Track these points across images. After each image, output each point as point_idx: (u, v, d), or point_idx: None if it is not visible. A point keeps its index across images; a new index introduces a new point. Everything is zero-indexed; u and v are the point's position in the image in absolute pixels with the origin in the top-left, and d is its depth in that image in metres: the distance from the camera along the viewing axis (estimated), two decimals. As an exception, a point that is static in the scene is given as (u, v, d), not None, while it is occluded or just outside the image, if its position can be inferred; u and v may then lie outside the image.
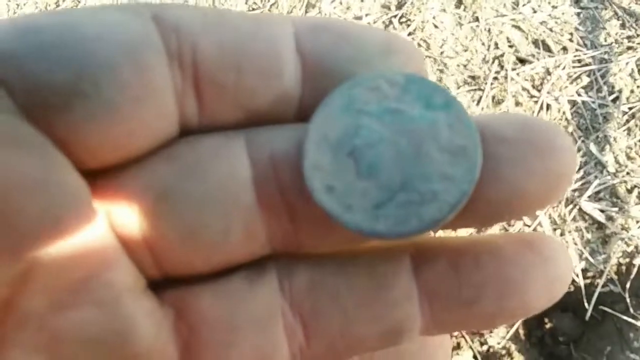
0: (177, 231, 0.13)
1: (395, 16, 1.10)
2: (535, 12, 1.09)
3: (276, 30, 0.13)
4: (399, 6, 1.11)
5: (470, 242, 0.14)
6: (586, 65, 1.05)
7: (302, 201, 0.13)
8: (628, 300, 0.91)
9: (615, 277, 0.94)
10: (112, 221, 0.13)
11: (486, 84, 1.04)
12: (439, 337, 0.16)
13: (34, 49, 0.11)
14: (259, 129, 0.14)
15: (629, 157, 0.99)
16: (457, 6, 1.11)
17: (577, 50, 1.06)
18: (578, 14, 1.09)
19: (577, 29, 1.08)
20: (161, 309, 0.13)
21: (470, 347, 0.90)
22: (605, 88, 1.03)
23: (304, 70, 0.13)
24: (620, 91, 1.03)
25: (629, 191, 0.97)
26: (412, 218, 0.13)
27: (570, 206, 0.96)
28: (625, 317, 0.91)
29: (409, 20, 1.09)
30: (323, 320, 0.14)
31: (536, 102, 1.02)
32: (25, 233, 0.11)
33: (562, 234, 0.95)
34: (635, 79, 1.03)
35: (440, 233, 0.14)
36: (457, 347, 0.90)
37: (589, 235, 0.95)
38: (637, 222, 0.95)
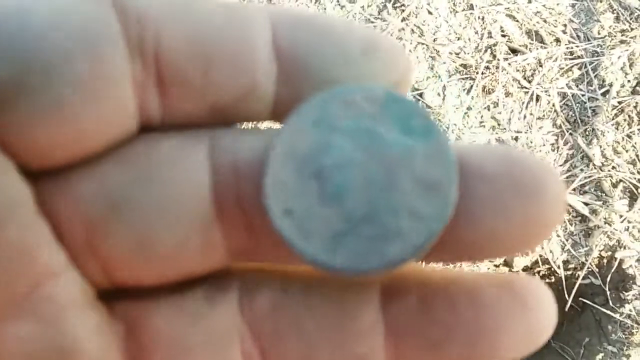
0: (127, 242, 0.12)
1: (389, 1, 1.09)
2: (530, 1, 1.09)
3: (251, 22, 0.12)
4: (394, -9, 1.10)
5: (446, 279, 0.13)
6: (578, 57, 1.05)
7: (262, 218, 0.12)
8: (608, 292, 0.92)
9: (596, 269, 0.95)
10: (57, 228, 0.12)
11: (477, 73, 1.03)
12: None
13: None
14: (225, 131, 0.13)
15: (615, 152, 0.99)
16: (452, -7, 1.10)
17: (569, 42, 1.06)
18: (573, 6, 1.09)
19: (571, 21, 1.08)
20: (110, 325, 0.13)
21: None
22: (595, 81, 1.03)
23: (279, 68, 0.12)
24: (610, 85, 1.03)
25: (614, 185, 0.97)
26: (373, 255, 0.12)
27: (556, 198, 0.97)
28: (604, 310, 0.92)
29: (404, 5, 1.08)
30: (283, 346, 0.13)
31: (526, 92, 1.02)
32: None
33: (546, 226, 0.96)
34: (626, 73, 1.04)
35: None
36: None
37: (572, 228, 0.96)
38: (621, 216, 0.95)
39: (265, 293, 0.13)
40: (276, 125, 0.13)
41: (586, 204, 0.96)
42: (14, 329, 0.11)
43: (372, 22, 1.09)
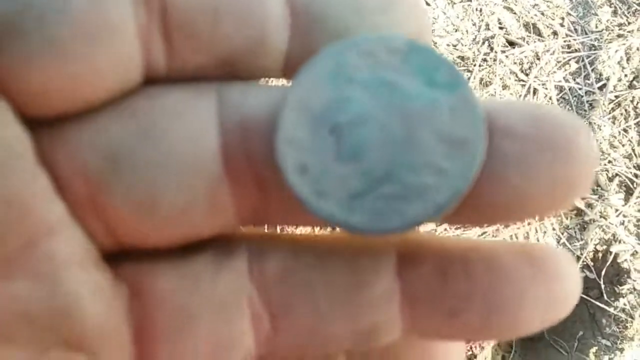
0: (130, 199, 0.11)
1: (386, -8, 1.09)
2: (528, -6, 1.08)
3: None
4: (391, -18, 1.09)
5: (464, 247, 0.12)
6: (575, 51, 1.05)
7: (274, 177, 0.11)
8: (602, 286, 0.92)
9: (591, 263, 0.95)
10: (57, 181, 0.11)
11: (475, 65, 1.03)
12: (446, 346, 0.14)
13: None
14: (234, 84, 0.12)
15: (612, 146, 0.99)
16: (450, -16, 1.09)
17: (567, 35, 1.05)
18: (571, -1, 1.09)
19: (568, 14, 1.07)
20: (114, 286, 0.12)
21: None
22: (592, 75, 1.03)
23: (292, 21, 0.12)
24: (607, 79, 1.02)
25: (610, 179, 0.97)
26: (393, 214, 0.11)
27: (551, 192, 0.97)
28: (598, 303, 0.92)
29: (401, -4, 1.08)
30: (293, 313, 0.12)
31: (523, 85, 1.02)
32: None
33: (540, 219, 0.96)
34: (623, 67, 1.03)
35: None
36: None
37: (567, 221, 0.96)
38: (616, 210, 0.95)
39: (276, 257, 0.12)
40: (288, 83, 0.12)
41: (582, 197, 0.96)
42: (9, 287, 0.11)
43: (369, 12, 1.08)
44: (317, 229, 0.13)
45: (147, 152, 0.11)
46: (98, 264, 0.12)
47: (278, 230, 0.13)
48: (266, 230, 0.13)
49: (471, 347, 0.90)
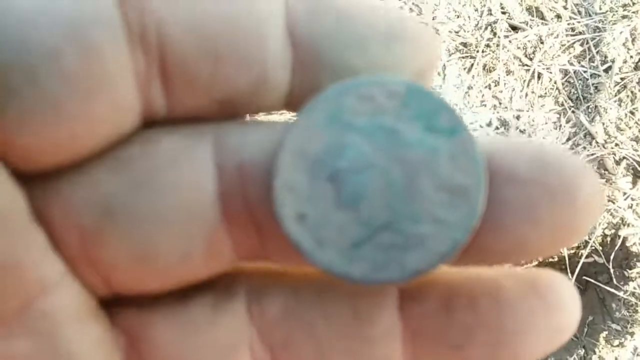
0: (126, 252, 0.11)
1: (387, -21, 1.07)
2: (530, -23, 1.07)
3: (263, 8, 0.11)
4: (391, -31, 1.08)
5: (467, 279, 0.12)
6: (580, 33, 1.03)
7: (272, 221, 0.11)
8: (612, 270, 0.92)
9: (599, 248, 0.94)
10: (52, 236, 0.11)
11: (478, 51, 1.02)
12: None
13: None
14: (231, 126, 0.12)
15: (618, 129, 0.98)
16: (451, -30, 1.08)
17: (571, 18, 1.04)
18: (574, -19, 1.07)
19: (572, -4, 1.06)
20: (112, 336, 0.12)
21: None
22: (597, 57, 1.02)
23: (294, 56, 0.11)
24: (613, 61, 1.01)
25: (617, 163, 0.96)
26: (393, 265, 0.11)
27: (558, 177, 0.96)
28: (608, 288, 0.92)
29: (401, -16, 1.07)
30: (295, 352, 0.12)
31: (527, 70, 1.01)
32: None
33: (548, 205, 0.95)
34: (628, 49, 1.02)
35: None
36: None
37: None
38: (624, 194, 0.94)
39: (275, 298, 0.12)
40: (290, 116, 0.12)
41: (589, 182, 0.95)
42: (9, 347, 0.11)
43: None
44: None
45: (143, 204, 0.11)
46: (96, 314, 0.12)
47: (277, 267, 0.13)
48: (266, 267, 0.13)
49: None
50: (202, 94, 0.11)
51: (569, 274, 0.94)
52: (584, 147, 0.97)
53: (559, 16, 1.05)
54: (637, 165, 0.96)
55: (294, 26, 0.11)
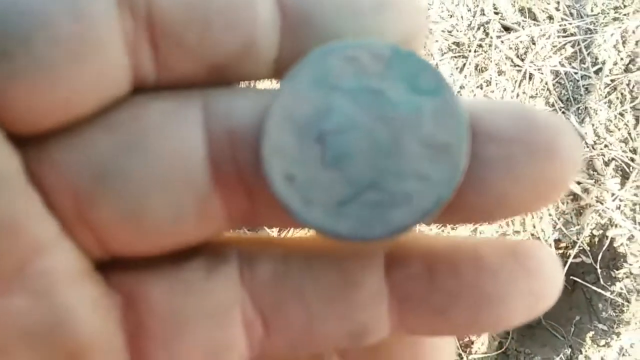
0: (118, 214, 0.11)
1: (380, -22, 1.08)
2: (523, -22, 1.07)
3: None
4: (385, -33, 1.08)
5: (450, 246, 0.13)
6: (571, 35, 1.04)
7: (262, 184, 0.12)
8: (599, 271, 0.93)
9: (587, 248, 0.95)
10: (46, 198, 0.11)
11: (470, 51, 1.02)
12: (438, 340, 0.14)
13: None
14: (220, 92, 0.12)
15: (608, 130, 0.99)
16: (445, -31, 1.08)
17: (562, 19, 1.05)
18: (566, -18, 1.08)
19: (564, -2, 1.06)
20: (108, 297, 0.12)
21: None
22: (588, 59, 1.02)
23: (283, 23, 0.11)
24: (603, 63, 1.02)
25: (606, 164, 0.97)
26: (378, 221, 0.11)
27: (548, 177, 0.97)
28: (595, 288, 0.92)
29: (395, -18, 1.07)
30: (285, 315, 0.13)
31: (519, 71, 1.01)
32: None
33: (538, 205, 0.96)
34: (619, 51, 1.03)
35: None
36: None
37: (563, 207, 0.96)
38: (612, 195, 0.95)
39: (266, 262, 0.13)
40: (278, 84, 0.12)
41: (578, 182, 0.96)
42: (6, 304, 0.11)
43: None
44: (306, 230, 0.12)
45: (134, 166, 0.11)
46: (91, 275, 0.12)
47: (268, 234, 0.13)
48: (256, 235, 0.13)
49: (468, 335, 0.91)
50: (190, 58, 0.11)
51: (557, 274, 0.94)
52: (574, 148, 0.98)
53: (550, 17, 1.05)
54: (625, 167, 0.96)
55: None
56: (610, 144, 0.98)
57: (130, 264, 0.13)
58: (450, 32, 1.04)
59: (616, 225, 0.94)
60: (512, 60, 1.02)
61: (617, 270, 0.93)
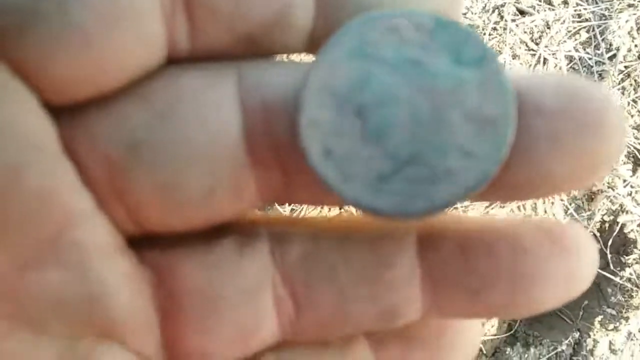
0: (152, 187, 0.11)
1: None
2: (538, -38, 1.07)
3: None
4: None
5: (484, 226, 0.13)
6: (586, 20, 1.03)
7: (297, 159, 0.11)
8: (609, 256, 0.93)
9: (597, 234, 0.95)
10: (81, 169, 0.11)
11: (484, 34, 1.01)
12: (463, 324, 0.14)
13: None
14: (254, 64, 0.12)
15: (621, 116, 0.99)
16: (460, -49, 1.08)
17: (577, 4, 1.04)
18: (581, -33, 1.07)
19: (579, -17, 1.06)
20: (140, 272, 0.12)
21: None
22: (603, 45, 1.02)
23: None
24: (617, 49, 1.02)
25: (619, 150, 0.97)
26: (419, 198, 0.11)
27: (560, 162, 0.97)
28: (604, 273, 0.93)
29: (409, -37, 1.06)
30: (316, 295, 0.13)
31: (533, 55, 1.01)
32: None
33: (549, 190, 0.96)
34: (633, 38, 1.02)
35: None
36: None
37: (575, 192, 0.96)
38: (624, 180, 0.95)
39: (297, 241, 0.13)
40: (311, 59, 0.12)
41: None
42: (39, 276, 0.11)
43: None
44: (340, 209, 0.12)
45: (168, 138, 0.11)
46: (124, 250, 0.12)
47: (300, 212, 0.13)
48: (287, 214, 0.13)
49: (478, 316, 0.91)
50: (224, 28, 0.11)
51: (567, 259, 0.95)
52: (587, 134, 0.98)
53: (566, 2, 1.05)
54: (637, 153, 0.96)
55: None
56: (623, 130, 0.98)
57: (162, 240, 0.12)
58: (464, 14, 1.04)
59: (627, 212, 0.94)
60: (526, 44, 1.02)
61: (626, 256, 0.93)
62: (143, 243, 0.12)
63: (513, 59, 1.01)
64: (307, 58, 0.12)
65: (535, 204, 0.95)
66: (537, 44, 1.02)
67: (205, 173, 0.11)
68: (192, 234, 0.12)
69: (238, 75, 0.12)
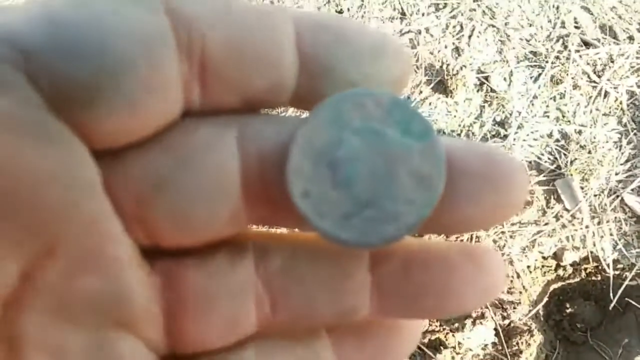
0: (169, 216, 0.14)
1: (462, -21, 1.07)
2: (606, -4, 1.06)
3: (279, 25, 0.14)
4: (468, -30, 1.08)
5: (422, 247, 0.16)
6: (650, 57, 1.03)
7: (281, 197, 0.14)
8: (654, 296, 0.92)
9: (645, 272, 0.94)
10: (114, 202, 0.14)
11: (547, 62, 1.02)
12: (405, 322, 0.18)
13: (61, 45, 0.12)
14: (253, 119, 0.15)
15: (679, 157, 0.97)
16: (528, -22, 1.08)
17: (643, 41, 1.03)
18: (650, 5, 1.07)
19: (646, 20, 1.05)
20: (152, 277, 0.15)
21: (492, 319, 0.92)
22: (666, 84, 1.01)
23: (301, 64, 0.14)
24: (680, 89, 1.01)
25: (674, 190, 0.96)
26: (374, 233, 0.14)
27: (613, 196, 0.96)
28: (649, 313, 0.92)
29: (476, -15, 1.06)
30: (289, 297, 0.16)
31: (594, 87, 1.00)
32: (47, 216, 0.13)
33: (599, 223, 0.95)
34: (697, 79, 1.01)
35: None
36: (482, 317, 0.91)
37: (626, 228, 0.95)
38: (677, 222, 0.94)
39: (277, 256, 0.16)
40: (295, 111, 0.14)
41: (645, 205, 0.95)
42: (82, 282, 0.14)
43: (444, 0, 1.07)
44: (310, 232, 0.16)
45: (184, 179, 0.14)
46: (141, 262, 0.15)
47: (278, 232, 0.17)
48: (269, 232, 0.17)
49: (518, 344, 0.91)
50: (230, 93, 0.14)
51: (612, 295, 0.94)
52: (643, 171, 0.97)
53: (631, 38, 1.04)
54: (693, 196, 0.95)
55: (301, 41, 0.14)
56: (680, 171, 0.96)
57: (170, 252, 0.15)
58: (528, 40, 1.04)
59: (677, 253, 0.93)
60: (588, 76, 1.01)
61: (673, 297, 0.92)
62: (154, 254, 0.15)
63: (574, 89, 1.00)
64: (290, 111, 0.14)
65: (584, 236, 0.94)
66: (599, 76, 1.01)
67: (210, 206, 0.15)
68: (193, 248, 0.16)
69: (239, 128, 0.15)
